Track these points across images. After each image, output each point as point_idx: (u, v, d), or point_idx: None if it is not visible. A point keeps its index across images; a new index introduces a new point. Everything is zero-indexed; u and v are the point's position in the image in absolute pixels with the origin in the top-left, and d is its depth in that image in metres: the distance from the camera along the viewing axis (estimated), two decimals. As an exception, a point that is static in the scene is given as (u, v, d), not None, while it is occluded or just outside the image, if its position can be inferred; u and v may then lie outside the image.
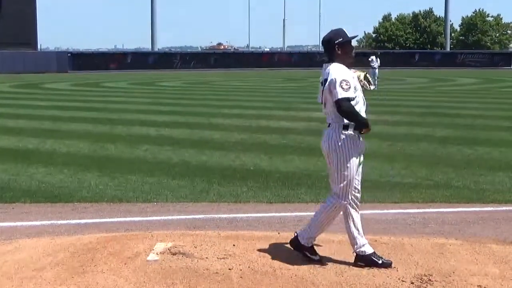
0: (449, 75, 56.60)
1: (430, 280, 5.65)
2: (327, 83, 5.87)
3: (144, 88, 40.11)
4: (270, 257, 6.19)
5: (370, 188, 10.07)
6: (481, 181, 10.67)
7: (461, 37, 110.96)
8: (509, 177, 11.01)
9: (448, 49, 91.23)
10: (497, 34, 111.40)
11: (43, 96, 33.34)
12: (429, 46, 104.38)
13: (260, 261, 6.06)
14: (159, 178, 10.91)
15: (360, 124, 5.87)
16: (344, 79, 5.79)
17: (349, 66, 6.00)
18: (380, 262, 5.99)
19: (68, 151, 14.14)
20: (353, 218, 6.06)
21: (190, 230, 7.35)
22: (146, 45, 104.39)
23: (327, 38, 6.01)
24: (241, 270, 5.84)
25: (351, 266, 5.96)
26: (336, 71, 5.84)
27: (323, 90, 5.97)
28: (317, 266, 5.96)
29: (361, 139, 6.01)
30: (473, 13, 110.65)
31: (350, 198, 6.00)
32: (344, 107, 5.77)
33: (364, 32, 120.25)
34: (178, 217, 8.37)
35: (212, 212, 8.68)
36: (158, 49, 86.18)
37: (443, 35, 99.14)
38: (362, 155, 6.06)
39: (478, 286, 5.52)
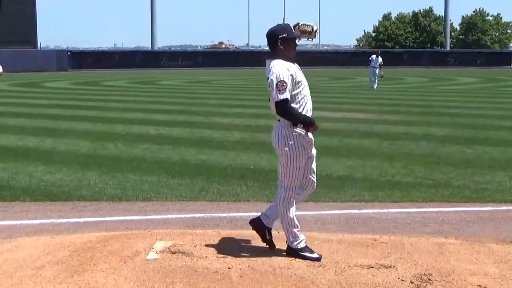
0: (440, 75, 56.59)
1: (429, 279, 5.65)
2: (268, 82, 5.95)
3: (143, 87, 40.11)
4: (269, 256, 6.20)
5: (370, 187, 10.10)
6: (480, 181, 10.67)
7: (461, 36, 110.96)
8: (508, 176, 11.01)
9: (448, 48, 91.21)
10: (497, 34, 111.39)
11: (43, 94, 33.33)
12: (429, 45, 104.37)
13: (259, 260, 6.06)
14: (159, 177, 10.90)
15: (304, 123, 5.92)
16: (281, 80, 5.82)
17: (292, 61, 6.01)
18: (312, 255, 6.08)
19: (68, 150, 14.13)
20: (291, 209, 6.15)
21: (189, 229, 7.36)
22: (146, 44, 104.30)
23: (271, 31, 6.02)
24: (240, 269, 5.84)
25: (350, 265, 5.96)
26: (276, 70, 5.87)
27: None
28: (316, 265, 5.96)
29: (310, 134, 6.06)
30: (473, 12, 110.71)
31: (295, 190, 6.11)
32: (281, 110, 5.87)
33: (364, 31, 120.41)
34: (178, 216, 8.38)
35: (212, 211, 8.68)
36: (158, 47, 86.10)
37: (443, 34, 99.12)
38: (313, 149, 6.17)
39: (477, 285, 5.52)
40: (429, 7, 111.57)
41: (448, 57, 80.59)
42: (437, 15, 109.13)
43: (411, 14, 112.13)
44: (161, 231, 7.03)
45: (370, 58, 38.32)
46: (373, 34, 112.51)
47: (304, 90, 6.01)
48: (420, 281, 5.60)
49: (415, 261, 6.12)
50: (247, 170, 11.61)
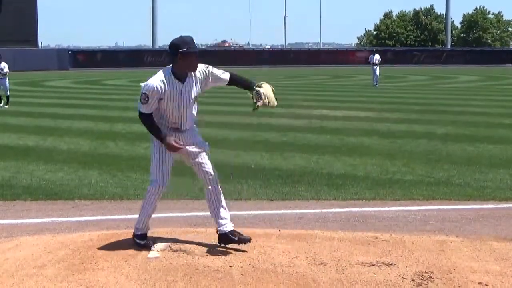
0: (437, 72, 56.54)
1: (430, 277, 5.65)
2: None
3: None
4: (271, 254, 6.20)
5: (371, 186, 10.11)
6: (481, 179, 10.67)
7: (462, 35, 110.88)
8: (509, 174, 11.01)
9: (449, 46, 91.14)
10: (498, 32, 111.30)
11: (44, 93, 33.37)
12: (430, 43, 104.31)
13: (261, 258, 6.06)
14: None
15: (155, 134, 6.13)
16: (146, 92, 5.99)
17: (193, 70, 6.11)
18: (142, 243, 6.29)
19: (69, 149, 14.14)
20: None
21: (191, 227, 7.36)
22: (147, 43, 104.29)
23: (173, 43, 6.04)
24: (242, 267, 5.84)
25: (352, 263, 5.96)
26: (150, 80, 6.03)
27: None
28: (318, 263, 5.96)
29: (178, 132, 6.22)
30: (474, 10, 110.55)
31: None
32: (141, 119, 6.14)
33: (365, 29, 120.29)
34: (179, 214, 8.38)
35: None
36: (159, 46, 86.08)
37: (444, 33, 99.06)
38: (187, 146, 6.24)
39: (478, 283, 5.52)
40: (430, 5, 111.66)
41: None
42: (438, 13, 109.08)
43: (412, 12, 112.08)
44: (162, 229, 7.03)
45: (369, 58, 38.73)
46: (374, 33, 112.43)
47: (170, 104, 6.10)
48: (421, 279, 5.60)
49: (416, 259, 6.12)
50: (248, 168, 11.61)
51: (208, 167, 6.36)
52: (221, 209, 6.37)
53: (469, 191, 9.82)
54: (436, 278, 5.63)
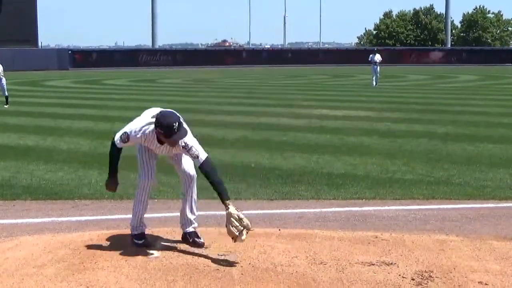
0: (442, 72, 56.54)
1: (430, 276, 5.65)
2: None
3: (144, 85, 40.12)
4: (271, 253, 6.20)
5: (371, 185, 10.11)
6: (481, 178, 10.67)
7: (462, 34, 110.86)
8: (509, 173, 11.00)
9: (449, 45, 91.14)
10: (498, 31, 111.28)
11: (44, 93, 33.36)
12: (429, 43, 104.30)
13: (261, 258, 6.06)
14: (160, 175, 10.87)
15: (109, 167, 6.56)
16: (128, 133, 6.34)
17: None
18: (140, 242, 6.39)
19: (69, 148, 14.14)
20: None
21: (190, 227, 7.35)
22: (147, 42, 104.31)
23: (158, 119, 6.10)
24: (242, 266, 5.85)
25: (352, 263, 5.96)
26: (135, 125, 6.36)
27: None
28: (317, 262, 5.96)
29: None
30: (474, 9, 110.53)
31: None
32: (111, 148, 6.54)
33: (365, 28, 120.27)
34: (179, 214, 8.36)
35: (213, 209, 8.66)
36: (159, 46, 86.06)
37: (444, 32, 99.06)
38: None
39: (478, 282, 5.52)
40: (430, 5, 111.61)
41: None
42: (438, 13, 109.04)
43: (412, 11, 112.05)
44: (162, 229, 7.04)
45: (370, 58, 38.76)
46: (374, 32, 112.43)
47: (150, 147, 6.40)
48: (421, 278, 5.60)
49: (416, 258, 6.12)
50: (248, 168, 11.61)
51: (183, 162, 6.48)
52: (184, 210, 6.49)
53: (469, 190, 9.82)
54: (436, 277, 5.63)
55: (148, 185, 6.50)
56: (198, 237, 6.45)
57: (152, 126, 6.18)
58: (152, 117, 6.23)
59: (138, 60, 72.38)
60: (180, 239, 6.53)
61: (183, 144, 6.17)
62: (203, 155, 6.20)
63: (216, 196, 9.33)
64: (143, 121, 6.30)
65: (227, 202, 6.11)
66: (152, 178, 6.53)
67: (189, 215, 6.47)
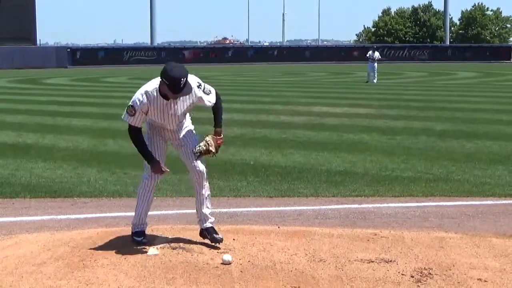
0: (437, 69, 56.53)
1: (430, 273, 5.65)
2: None
3: (143, 83, 40.03)
4: (270, 251, 6.20)
5: (370, 182, 10.11)
6: (480, 175, 10.67)
7: (460, 31, 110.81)
8: (508, 170, 11.01)
9: (447, 43, 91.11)
10: (497, 28, 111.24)
11: (43, 91, 33.32)
12: (428, 40, 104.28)
13: (260, 255, 6.07)
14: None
15: (142, 155, 6.28)
16: (132, 104, 6.05)
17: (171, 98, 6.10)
18: (138, 239, 6.36)
19: (68, 146, 14.13)
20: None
21: (190, 224, 7.35)
22: (146, 40, 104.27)
23: (164, 70, 5.92)
24: (241, 264, 5.85)
25: (351, 260, 5.96)
26: (137, 92, 6.11)
27: None
28: (317, 260, 5.96)
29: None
30: (473, 7, 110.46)
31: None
32: (129, 132, 6.21)
33: (364, 26, 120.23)
34: (178, 211, 8.38)
35: (212, 206, 8.66)
36: (158, 43, 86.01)
37: (442, 29, 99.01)
38: (178, 140, 6.39)
39: (478, 279, 5.52)
40: (429, 2, 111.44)
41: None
42: (437, 10, 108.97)
43: (410, 9, 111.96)
44: (161, 226, 7.04)
45: (367, 55, 38.84)
46: (373, 29, 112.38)
47: (156, 114, 6.17)
48: (420, 275, 5.60)
49: (416, 255, 6.13)
50: (247, 165, 11.61)
51: (193, 158, 6.38)
52: (201, 207, 6.46)
53: (468, 187, 9.82)
54: (435, 274, 5.63)
55: (153, 185, 6.42)
56: (216, 232, 6.39)
57: (156, 86, 6.04)
58: (141, 90, 6.12)
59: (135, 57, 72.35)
60: (184, 236, 6.53)
61: (197, 83, 6.17)
62: (213, 91, 6.34)
63: (215, 194, 9.36)
64: (144, 87, 6.13)
65: (219, 130, 6.31)
66: (159, 179, 6.43)
67: (205, 211, 6.44)
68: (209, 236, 6.36)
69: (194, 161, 6.34)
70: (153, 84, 6.10)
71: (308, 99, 26.13)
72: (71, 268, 5.76)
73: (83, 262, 5.90)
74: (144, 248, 6.24)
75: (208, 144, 6.31)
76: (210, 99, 6.29)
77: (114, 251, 6.18)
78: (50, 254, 6.15)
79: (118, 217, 8.02)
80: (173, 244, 6.34)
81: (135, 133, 6.18)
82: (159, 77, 5.97)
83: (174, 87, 5.86)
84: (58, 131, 16.61)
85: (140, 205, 6.44)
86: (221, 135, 6.33)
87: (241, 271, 5.68)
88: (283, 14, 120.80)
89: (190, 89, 5.99)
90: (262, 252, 6.17)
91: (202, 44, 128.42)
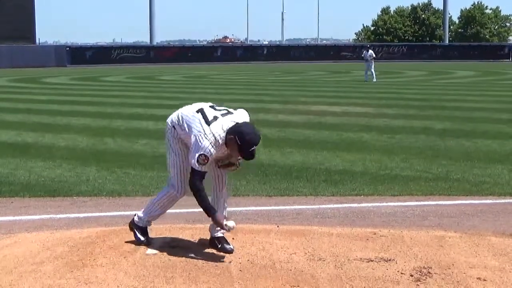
0: (441, 68, 56.53)
1: (429, 272, 5.65)
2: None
3: (142, 82, 40.08)
4: (269, 250, 6.20)
5: (369, 181, 10.11)
6: (480, 174, 10.67)
7: (459, 30, 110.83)
8: (508, 169, 11.01)
9: (446, 41, 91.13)
10: (496, 27, 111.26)
11: (42, 90, 33.31)
12: (427, 39, 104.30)
13: (259, 254, 6.06)
14: (158, 172, 10.89)
15: (202, 207, 5.90)
16: (205, 154, 5.69)
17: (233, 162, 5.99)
18: (142, 239, 6.25)
19: (67, 145, 14.13)
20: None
21: (189, 223, 7.36)
22: (145, 39, 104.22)
23: (244, 134, 5.70)
24: (240, 263, 5.85)
25: (350, 259, 5.96)
26: (206, 140, 5.72)
27: None
28: (316, 259, 5.96)
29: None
30: (472, 5, 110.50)
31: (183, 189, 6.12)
32: (194, 180, 5.83)
33: (363, 25, 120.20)
34: (177, 210, 8.34)
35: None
36: (157, 42, 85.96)
37: (441, 28, 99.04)
38: None
39: (477, 278, 5.52)
40: (428, 1, 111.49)
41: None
42: (436, 9, 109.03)
43: (410, 7, 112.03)
44: (160, 225, 7.03)
45: (363, 55, 39.16)
46: (372, 28, 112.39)
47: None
48: (419, 274, 5.60)
49: (415, 254, 6.13)
50: (246, 164, 11.57)
51: (221, 170, 6.24)
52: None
53: (468, 186, 9.82)
54: (434, 273, 5.63)
55: (178, 197, 6.19)
56: (227, 243, 6.17)
57: (222, 131, 5.74)
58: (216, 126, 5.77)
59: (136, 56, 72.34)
60: (183, 235, 6.53)
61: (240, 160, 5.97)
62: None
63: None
64: (210, 133, 5.73)
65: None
66: (184, 194, 6.17)
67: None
68: (220, 245, 6.15)
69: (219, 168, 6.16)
70: (219, 127, 5.76)
71: (307, 98, 26.12)
72: (70, 267, 5.76)
73: (82, 261, 5.90)
74: (144, 247, 6.23)
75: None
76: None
77: (113, 250, 6.17)
78: (49, 253, 6.15)
79: (117, 216, 8.02)
80: (172, 243, 6.34)
81: (199, 182, 5.81)
82: (227, 126, 5.74)
83: (246, 151, 5.70)
84: (58, 130, 16.61)
85: (155, 208, 6.25)
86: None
87: (241, 270, 5.68)
88: (282, 13, 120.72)
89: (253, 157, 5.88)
90: (261, 251, 6.17)
91: (201, 43, 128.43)
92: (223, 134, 5.75)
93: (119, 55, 72.48)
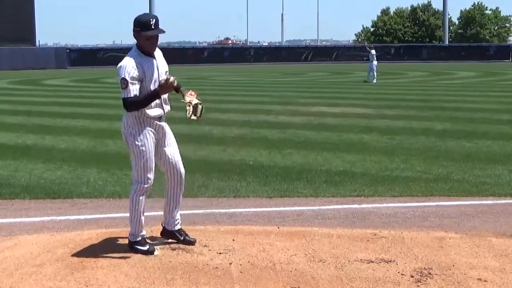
0: (440, 69, 56.53)
1: (429, 273, 5.65)
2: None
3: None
4: (270, 251, 6.20)
5: (369, 182, 10.10)
6: (480, 175, 10.67)
7: (459, 31, 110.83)
8: (508, 170, 11.01)
9: (446, 42, 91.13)
10: (496, 27, 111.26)
11: (42, 92, 33.32)
12: (427, 39, 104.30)
13: (260, 256, 6.06)
14: (158, 173, 10.84)
15: (151, 100, 5.96)
16: (124, 76, 5.86)
17: (148, 54, 6.03)
18: (144, 248, 6.13)
19: (67, 147, 14.13)
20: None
21: (189, 225, 7.34)
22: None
23: (135, 20, 5.98)
24: (241, 265, 5.85)
25: (351, 260, 5.96)
26: (122, 63, 5.93)
27: None
28: (316, 260, 5.96)
29: (159, 122, 6.16)
30: (472, 6, 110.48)
31: (147, 181, 6.13)
32: (128, 106, 5.94)
33: (362, 26, 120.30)
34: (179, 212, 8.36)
35: (212, 207, 8.68)
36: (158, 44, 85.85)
37: (441, 29, 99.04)
38: (164, 139, 6.23)
39: (478, 279, 5.52)
40: (428, 2, 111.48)
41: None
42: (436, 9, 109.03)
43: (409, 8, 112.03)
44: (160, 227, 7.02)
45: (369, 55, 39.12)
46: (372, 29, 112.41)
47: (151, 84, 6.00)
48: (420, 275, 5.60)
49: (415, 255, 6.13)
50: (246, 165, 11.61)
51: (176, 160, 6.32)
52: (175, 209, 6.41)
53: (468, 187, 9.82)
54: (435, 274, 5.63)
55: (145, 190, 6.18)
56: (187, 234, 6.41)
57: (134, 49, 5.99)
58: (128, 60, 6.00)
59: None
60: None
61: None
62: None
63: (215, 194, 9.37)
64: (125, 59, 5.99)
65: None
66: (150, 183, 6.18)
67: (178, 213, 6.42)
68: (182, 237, 6.33)
69: (178, 163, 6.30)
70: (131, 51, 6.02)
71: (307, 99, 26.13)
72: (70, 269, 5.76)
73: (83, 263, 5.90)
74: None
75: (190, 103, 6.17)
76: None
77: (114, 252, 6.17)
78: (50, 255, 6.15)
79: (118, 218, 8.01)
80: (172, 245, 6.34)
81: (132, 101, 5.93)
82: (134, 32, 5.98)
83: (146, 27, 5.86)
84: (58, 132, 16.61)
85: (133, 213, 6.18)
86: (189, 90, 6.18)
87: (241, 272, 5.68)
88: (282, 15, 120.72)
89: (163, 31, 6.00)
90: (261, 252, 6.17)
91: (201, 45, 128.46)
92: (134, 50, 5.98)
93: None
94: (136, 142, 6.04)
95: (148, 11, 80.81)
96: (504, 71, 52.47)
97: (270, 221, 7.76)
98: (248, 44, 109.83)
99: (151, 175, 6.17)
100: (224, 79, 45.54)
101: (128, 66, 5.89)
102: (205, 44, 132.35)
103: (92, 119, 19.66)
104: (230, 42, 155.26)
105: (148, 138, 6.08)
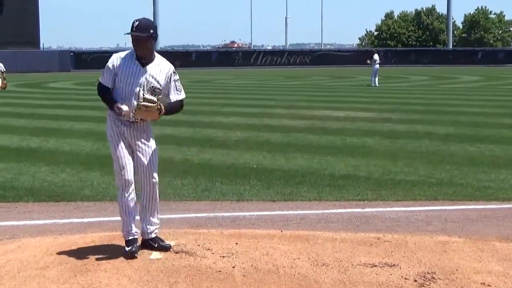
0: (443, 73, 56.48)
1: (433, 278, 5.64)
2: None
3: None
4: (273, 255, 6.19)
5: (373, 186, 10.10)
6: (483, 179, 10.65)
7: (463, 35, 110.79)
8: (511, 174, 11.00)
9: (450, 46, 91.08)
10: (500, 32, 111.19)
11: (46, 95, 33.38)
12: (431, 43, 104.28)
13: (263, 259, 6.06)
14: (162, 176, 10.83)
15: (105, 101, 6.17)
16: (108, 64, 6.11)
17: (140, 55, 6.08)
18: (126, 249, 6.16)
19: (71, 150, 14.14)
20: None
21: (193, 228, 7.36)
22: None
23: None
24: (244, 268, 5.84)
25: (354, 264, 5.95)
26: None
27: None
28: (320, 264, 5.95)
29: (130, 125, 6.21)
30: (476, 10, 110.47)
31: (121, 178, 6.30)
32: (97, 89, 6.24)
33: (366, 30, 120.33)
34: (181, 215, 8.37)
35: (215, 210, 8.68)
36: (161, 47, 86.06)
37: (445, 33, 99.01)
38: (139, 144, 6.32)
39: (481, 283, 5.51)
40: (432, 6, 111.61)
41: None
42: (440, 13, 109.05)
43: (413, 12, 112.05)
44: (164, 230, 7.02)
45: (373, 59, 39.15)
46: (376, 33, 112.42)
47: (123, 84, 6.08)
48: (423, 280, 5.60)
49: (419, 259, 6.12)
50: (250, 169, 11.61)
51: (148, 170, 6.40)
52: (150, 216, 6.42)
53: (472, 191, 9.81)
54: (438, 278, 5.62)
55: (123, 188, 6.29)
56: (162, 240, 6.39)
57: (132, 51, 6.12)
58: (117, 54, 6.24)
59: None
60: (187, 240, 6.52)
61: (173, 70, 6.25)
62: (183, 94, 6.48)
63: (218, 198, 9.38)
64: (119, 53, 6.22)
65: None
66: (130, 176, 6.32)
67: (154, 220, 6.41)
68: (157, 245, 6.31)
69: (149, 174, 6.41)
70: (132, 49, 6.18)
71: (310, 103, 26.12)
72: (74, 272, 5.76)
73: (86, 266, 5.90)
74: (147, 252, 6.23)
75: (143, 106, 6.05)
76: (175, 97, 6.38)
77: (117, 255, 6.17)
78: (53, 258, 6.15)
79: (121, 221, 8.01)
80: (176, 248, 6.34)
81: (101, 87, 6.17)
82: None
83: (130, 28, 5.97)
84: (61, 135, 16.63)
85: (121, 211, 6.34)
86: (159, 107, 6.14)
87: (244, 275, 5.67)
88: (286, 18, 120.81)
89: (148, 33, 6.00)
90: (265, 256, 6.16)
91: (205, 48, 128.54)
92: (131, 51, 6.14)
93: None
94: (109, 142, 6.29)
95: (152, 15, 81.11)
96: (507, 75, 52.38)
97: (273, 225, 7.76)
98: (253, 47, 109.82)
99: (124, 172, 6.28)
100: (231, 83, 45.56)
101: (114, 56, 6.16)
102: (208, 48, 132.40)
103: (95, 121, 19.64)
104: (236, 45, 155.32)
105: (118, 138, 6.22)
